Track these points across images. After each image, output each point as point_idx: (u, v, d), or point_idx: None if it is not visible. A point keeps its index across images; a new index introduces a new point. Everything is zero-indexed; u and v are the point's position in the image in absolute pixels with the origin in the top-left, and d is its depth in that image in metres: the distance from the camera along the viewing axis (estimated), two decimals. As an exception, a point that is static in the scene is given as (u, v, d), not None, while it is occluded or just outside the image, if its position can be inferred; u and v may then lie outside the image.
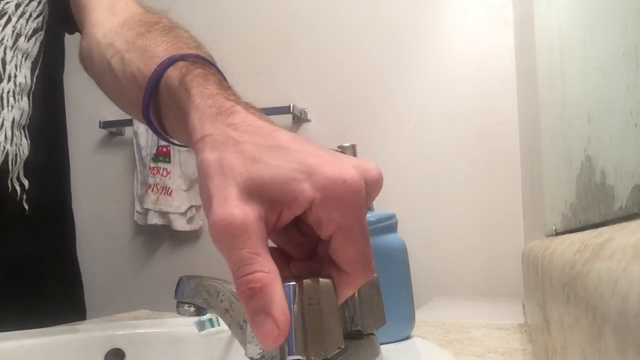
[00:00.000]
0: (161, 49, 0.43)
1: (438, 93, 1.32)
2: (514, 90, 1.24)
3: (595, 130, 0.25)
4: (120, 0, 0.55)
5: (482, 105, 1.28)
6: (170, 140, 0.43)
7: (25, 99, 0.59)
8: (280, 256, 0.30)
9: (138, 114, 0.43)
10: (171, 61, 0.40)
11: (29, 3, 0.59)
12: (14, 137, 0.58)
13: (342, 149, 0.56)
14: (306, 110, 1.43)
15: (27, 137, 0.60)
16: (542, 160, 0.53)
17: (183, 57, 0.40)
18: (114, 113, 1.57)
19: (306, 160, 0.26)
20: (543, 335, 0.31)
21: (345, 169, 0.26)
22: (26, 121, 0.60)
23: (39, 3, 0.60)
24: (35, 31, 0.60)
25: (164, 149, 1.51)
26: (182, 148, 1.50)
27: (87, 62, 0.54)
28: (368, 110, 1.37)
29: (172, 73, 0.39)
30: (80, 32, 0.58)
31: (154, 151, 1.52)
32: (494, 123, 1.26)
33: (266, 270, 0.25)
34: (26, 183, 0.61)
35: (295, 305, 0.26)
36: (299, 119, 1.42)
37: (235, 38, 1.51)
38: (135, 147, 1.56)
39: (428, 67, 1.33)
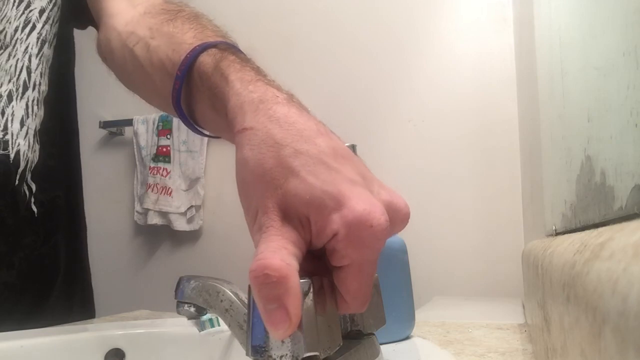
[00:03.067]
0: (189, 35, 0.40)
1: (438, 93, 1.32)
2: (514, 90, 1.24)
3: (595, 130, 0.25)
4: None
5: (482, 105, 1.28)
6: (201, 131, 0.41)
7: (43, 106, 0.59)
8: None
9: (165, 103, 0.41)
10: (203, 47, 0.38)
11: (52, 8, 0.59)
12: (35, 144, 0.58)
13: (342, 149, 0.56)
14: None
15: (38, 142, 0.60)
16: (542, 160, 0.53)
17: (214, 45, 0.38)
18: (114, 113, 1.57)
19: (341, 186, 0.26)
20: (543, 335, 0.31)
21: (376, 211, 0.26)
22: (40, 126, 0.60)
23: (58, 8, 0.60)
24: (54, 36, 0.59)
25: (164, 149, 1.51)
26: (182, 148, 1.50)
27: (107, 53, 0.52)
28: (368, 110, 1.37)
29: (205, 59, 0.37)
30: (97, 25, 0.56)
31: (154, 151, 1.52)
32: (494, 123, 1.26)
33: (287, 261, 0.24)
34: (34, 186, 0.61)
35: (310, 302, 0.26)
36: (299, 119, 1.43)
37: (235, 38, 1.50)
38: (135, 147, 1.56)
39: (428, 66, 1.33)
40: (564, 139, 0.35)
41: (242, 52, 0.40)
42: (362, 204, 0.26)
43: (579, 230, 0.27)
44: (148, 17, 0.48)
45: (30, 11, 0.57)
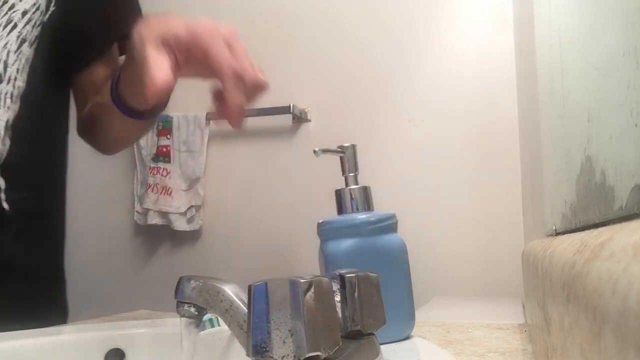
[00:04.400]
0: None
1: (438, 93, 1.32)
2: (514, 90, 1.24)
3: (595, 130, 0.25)
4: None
5: (482, 105, 1.28)
6: (131, 108, 0.64)
7: (19, 101, 0.62)
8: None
9: (115, 115, 0.65)
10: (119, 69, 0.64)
11: (34, 12, 0.62)
12: (4, 138, 0.60)
13: (342, 149, 0.56)
14: (306, 110, 1.43)
15: (10, 138, 0.61)
16: (542, 160, 0.53)
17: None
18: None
19: (190, 21, 0.53)
20: (543, 335, 0.31)
21: (210, 22, 0.53)
22: (13, 122, 0.61)
23: (41, 13, 0.63)
24: (36, 38, 0.63)
25: (164, 149, 1.52)
26: (182, 148, 1.50)
27: (87, 124, 0.75)
28: (368, 110, 1.37)
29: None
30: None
31: (154, 151, 1.52)
32: (494, 123, 1.26)
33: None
34: (2, 183, 0.61)
35: (311, 302, 0.26)
36: (299, 119, 1.42)
37: (235, 38, 1.51)
38: (135, 147, 1.57)
39: (428, 66, 1.33)
40: (564, 139, 0.35)
41: None
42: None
43: (579, 230, 0.27)
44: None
45: (13, 12, 0.61)
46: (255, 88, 0.51)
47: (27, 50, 0.62)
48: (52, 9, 0.65)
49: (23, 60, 0.61)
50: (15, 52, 0.60)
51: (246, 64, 0.49)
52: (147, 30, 0.50)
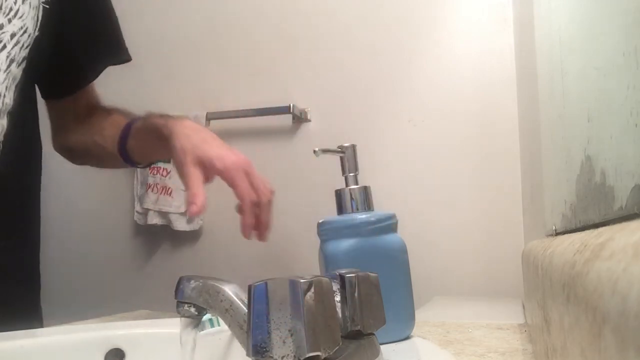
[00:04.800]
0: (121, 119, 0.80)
1: (438, 93, 1.32)
2: (514, 90, 1.24)
3: (595, 130, 0.25)
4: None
5: (482, 105, 1.28)
6: (133, 162, 0.79)
7: (4, 117, 0.66)
8: None
9: (114, 158, 0.79)
10: (133, 120, 0.78)
11: (22, 34, 0.67)
12: None
13: (342, 149, 0.56)
14: (306, 110, 1.43)
15: None
16: (542, 160, 0.53)
17: (137, 119, 0.78)
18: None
19: (220, 151, 0.67)
20: (543, 335, 0.31)
21: (236, 158, 0.67)
22: (1, 138, 0.66)
23: (28, 36, 0.68)
24: (23, 59, 0.68)
25: (164, 149, 1.52)
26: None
27: (73, 149, 0.86)
28: (368, 110, 1.37)
29: (136, 124, 0.77)
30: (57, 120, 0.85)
31: (154, 151, 1.52)
32: (494, 123, 1.26)
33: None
34: None
35: (312, 302, 0.26)
36: (299, 119, 1.42)
37: (235, 38, 1.51)
38: (135, 147, 1.57)
39: (428, 66, 1.33)
40: (564, 139, 0.35)
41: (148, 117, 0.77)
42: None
43: (579, 230, 0.27)
44: (108, 112, 0.84)
45: (2, 33, 0.65)
46: (267, 203, 0.70)
47: (15, 70, 0.66)
48: (36, 34, 0.70)
49: (10, 79, 0.66)
50: (4, 71, 0.65)
51: (260, 189, 0.69)
52: (187, 144, 0.66)
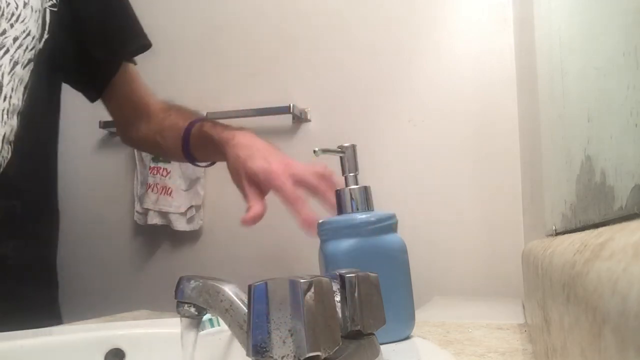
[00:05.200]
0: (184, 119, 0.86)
1: (438, 93, 1.32)
2: (514, 90, 1.24)
3: (595, 130, 0.25)
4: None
5: (482, 105, 1.28)
6: (198, 164, 0.85)
7: (15, 117, 0.68)
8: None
9: (178, 153, 0.85)
10: (196, 121, 0.83)
11: (25, 37, 0.69)
12: (3, 150, 0.67)
13: (342, 149, 0.56)
14: (306, 110, 1.43)
15: (10, 151, 0.68)
16: (542, 160, 0.53)
17: (196, 121, 0.83)
18: (114, 113, 1.57)
19: (267, 163, 0.69)
20: (543, 335, 0.31)
21: (276, 166, 0.68)
22: (13, 137, 0.68)
23: (32, 38, 0.70)
24: (29, 61, 0.70)
25: (164, 149, 1.52)
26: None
27: (141, 139, 0.91)
28: (368, 110, 1.37)
29: (195, 127, 0.82)
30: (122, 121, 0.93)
31: (154, 151, 1.52)
32: (494, 123, 1.26)
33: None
34: None
35: (312, 302, 0.26)
36: (299, 119, 1.42)
37: (235, 38, 1.51)
38: (135, 147, 1.56)
39: (428, 66, 1.33)
40: (564, 139, 0.35)
41: (207, 119, 0.82)
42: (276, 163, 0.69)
43: (579, 230, 0.27)
44: (165, 113, 0.89)
45: (5, 38, 0.67)
46: (329, 185, 0.70)
47: (20, 72, 0.68)
48: (45, 36, 0.73)
49: (16, 80, 0.68)
50: (9, 73, 0.67)
51: (312, 183, 0.70)
52: (238, 164, 0.70)
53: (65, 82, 0.84)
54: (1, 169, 0.67)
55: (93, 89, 0.88)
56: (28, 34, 0.69)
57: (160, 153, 0.95)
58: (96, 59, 0.84)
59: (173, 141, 0.84)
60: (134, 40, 0.87)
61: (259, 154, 0.69)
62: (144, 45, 0.88)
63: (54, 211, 0.82)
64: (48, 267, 0.80)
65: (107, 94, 0.88)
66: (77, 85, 0.87)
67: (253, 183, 0.67)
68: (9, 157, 0.68)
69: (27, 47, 0.69)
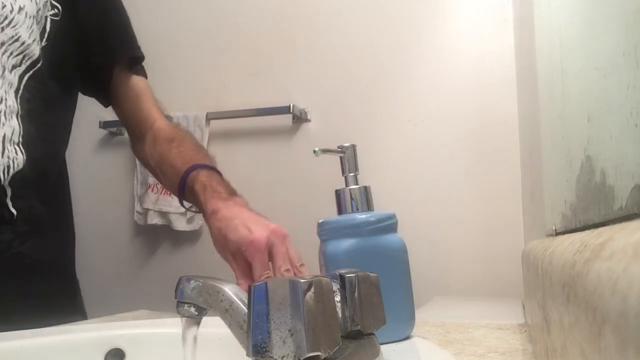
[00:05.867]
0: (189, 156, 0.80)
1: (438, 93, 1.32)
2: (514, 90, 1.24)
3: (595, 130, 0.25)
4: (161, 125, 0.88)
5: (482, 105, 1.28)
6: (185, 206, 0.79)
7: (14, 119, 0.70)
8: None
9: (174, 188, 0.80)
10: (192, 168, 0.76)
11: (12, 43, 0.71)
12: (6, 150, 0.68)
13: (342, 149, 0.56)
14: (306, 110, 1.43)
15: (23, 153, 0.70)
16: (542, 160, 0.53)
17: (197, 167, 0.76)
18: (114, 113, 1.57)
19: (247, 233, 0.62)
20: (543, 335, 0.31)
21: (254, 236, 0.62)
22: (19, 139, 0.70)
23: (21, 44, 0.72)
24: (13, 66, 0.72)
25: (164, 149, 1.51)
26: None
27: (147, 156, 0.87)
28: (368, 110, 1.37)
29: (191, 177, 0.75)
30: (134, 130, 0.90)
31: (154, 151, 1.52)
32: (494, 123, 1.26)
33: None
34: (9, 191, 0.69)
35: (312, 302, 0.26)
36: (298, 119, 1.42)
37: (235, 38, 1.51)
38: (135, 147, 1.56)
39: (428, 66, 1.33)
40: (564, 139, 0.35)
41: (214, 170, 0.77)
42: (257, 233, 0.62)
43: (579, 230, 0.27)
44: (168, 144, 0.84)
45: None
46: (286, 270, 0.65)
47: (8, 76, 0.70)
48: (43, 44, 0.75)
49: (7, 85, 0.70)
50: (0, 77, 0.69)
51: (281, 266, 0.64)
52: (220, 238, 0.66)
53: (74, 88, 0.86)
54: (11, 170, 0.69)
55: (101, 94, 0.90)
56: (16, 40, 0.71)
57: (162, 185, 0.92)
58: (95, 65, 0.85)
59: (170, 183, 0.81)
60: (128, 48, 0.88)
61: (242, 223, 0.65)
62: (137, 56, 0.89)
63: (70, 212, 0.86)
64: (66, 265, 0.83)
65: (114, 103, 0.90)
66: (85, 92, 0.89)
67: (239, 255, 0.64)
68: (17, 157, 0.70)
69: (12, 53, 0.70)
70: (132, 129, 0.91)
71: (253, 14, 1.49)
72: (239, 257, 0.63)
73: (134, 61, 0.89)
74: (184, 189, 0.76)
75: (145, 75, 0.91)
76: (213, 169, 0.76)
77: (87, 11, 0.82)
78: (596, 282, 0.14)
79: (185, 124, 1.50)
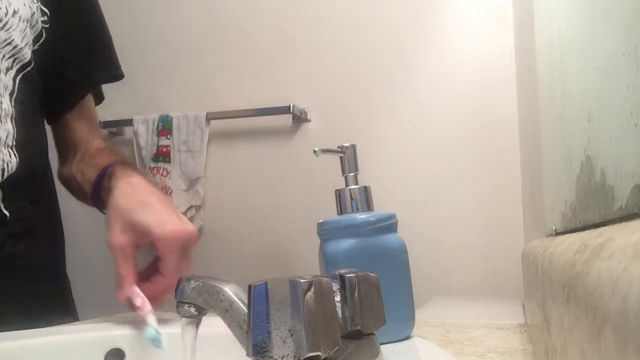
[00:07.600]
0: (102, 160, 0.76)
1: (438, 93, 1.32)
2: (514, 90, 1.24)
3: (595, 130, 0.25)
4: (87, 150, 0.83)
5: (482, 105, 1.28)
6: (103, 210, 0.71)
7: (9, 122, 0.70)
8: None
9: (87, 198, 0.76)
10: (107, 167, 0.72)
11: (4, 46, 0.71)
12: (0, 154, 0.68)
13: (342, 149, 0.56)
14: (306, 110, 1.43)
15: (16, 156, 0.71)
16: (542, 160, 0.53)
17: (109, 165, 0.72)
18: (114, 113, 1.57)
19: (162, 217, 0.60)
20: (543, 335, 0.31)
21: (179, 227, 0.59)
22: (12, 142, 0.70)
23: (13, 47, 0.72)
24: (7, 69, 0.72)
25: (164, 149, 1.52)
26: (182, 148, 1.51)
27: (68, 179, 0.82)
28: (368, 110, 1.37)
29: (108, 172, 0.71)
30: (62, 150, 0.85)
31: (154, 151, 1.52)
32: (494, 123, 1.26)
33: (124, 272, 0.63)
34: (0, 193, 0.69)
35: (312, 302, 0.26)
36: (298, 119, 1.42)
37: (235, 38, 1.51)
38: (135, 147, 1.56)
39: (428, 66, 1.33)
40: (564, 139, 0.35)
41: (126, 164, 0.73)
42: (172, 224, 0.60)
43: (579, 230, 0.27)
44: (91, 158, 0.79)
45: None
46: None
47: (4, 79, 0.70)
48: (35, 47, 0.75)
49: (2, 87, 0.70)
50: None
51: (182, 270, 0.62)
52: (123, 204, 0.61)
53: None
54: (5, 173, 0.69)
55: (55, 109, 0.84)
56: (9, 43, 0.71)
57: (75, 195, 0.84)
58: (68, 79, 0.82)
59: (88, 185, 0.75)
60: (108, 66, 0.86)
61: (158, 206, 0.59)
62: (117, 75, 0.87)
63: (59, 212, 0.85)
64: (58, 266, 0.83)
65: (63, 119, 0.84)
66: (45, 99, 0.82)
67: (127, 235, 0.59)
68: (11, 160, 0.70)
69: (4, 56, 0.71)
70: (65, 149, 0.85)
71: (253, 14, 1.49)
72: (129, 237, 0.59)
73: (114, 79, 0.87)
74: (98, 191, 0.71)
75: (102, 97, 0.90)
76: (129, 164, 0.74)
77: (69, 25, 0.81)
78: (596, 282, 0.14)
79: (185, 124, 1.50)
